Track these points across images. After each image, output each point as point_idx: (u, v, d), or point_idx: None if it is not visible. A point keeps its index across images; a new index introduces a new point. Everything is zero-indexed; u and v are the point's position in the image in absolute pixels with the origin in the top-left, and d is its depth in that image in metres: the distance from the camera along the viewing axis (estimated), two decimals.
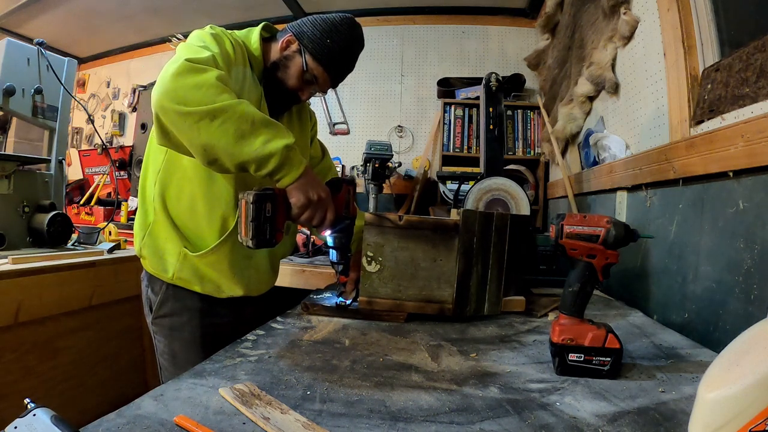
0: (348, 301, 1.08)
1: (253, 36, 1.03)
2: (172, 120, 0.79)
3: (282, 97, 1.06)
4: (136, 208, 1.11)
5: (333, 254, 1.05)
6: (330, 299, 1.15)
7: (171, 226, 1.00)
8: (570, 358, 0.73)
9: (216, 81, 0.80)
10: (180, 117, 0.78)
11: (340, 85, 1.11)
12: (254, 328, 0.94)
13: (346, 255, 1.05)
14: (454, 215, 1.13)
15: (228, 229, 1.00)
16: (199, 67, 0.81)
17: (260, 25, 1.06)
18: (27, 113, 1.61)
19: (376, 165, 2.24)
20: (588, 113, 1.92)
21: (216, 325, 1.05)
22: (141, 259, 1.08)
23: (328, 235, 1.02)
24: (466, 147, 2.74)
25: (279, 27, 1.11)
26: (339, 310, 1.06)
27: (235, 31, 1.02)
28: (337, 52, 1.02)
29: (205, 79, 0.79)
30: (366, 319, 1.03)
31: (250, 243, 0.81)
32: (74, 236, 1.76)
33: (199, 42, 0.90)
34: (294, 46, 1.03)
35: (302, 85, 1.05)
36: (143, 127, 2.61)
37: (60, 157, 1.73)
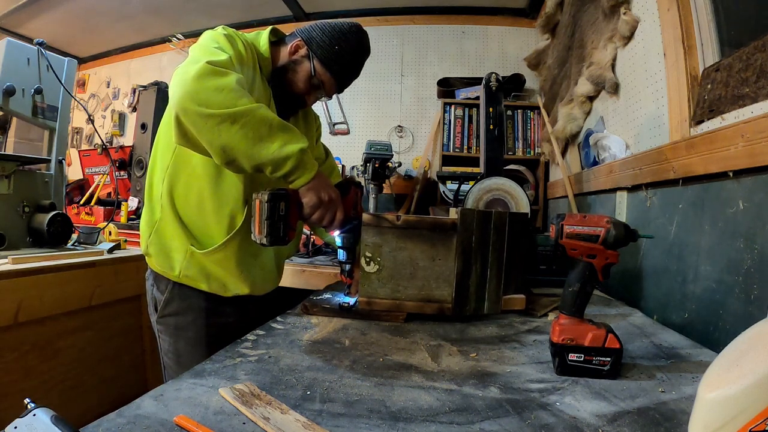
0: (351, 301, 1.08)
1: (262, 39, 1.05)
2: (193, 121, 0.81)
3: (289, 100, 1.08)
4: (137, 208, 1.11)
5: (341, 254, 1.07)
6: (332, 299, 1.15)
7: (178, 223, 1.01)
8: (570, 358, 0.73)
9: (236, 85, 0.82)
10: (201, 119, 0.80)
11: None
12: None
13: (354, 255, 1.06)
14: (453, 214, 1.13)
15: (236, 227, 1.00)
16: (220, 70, 0.82)
17: (268, 29, 1.07)
18: (27, 113, 1.61)
19: (376, 165, 2.25)
20: (588, 113, 1.92)
21: (221, 325, 1.06)
22: (146, 257, 1.08)
23: (336, 235, 1.04)
24: (466, 147, 2.74)
25: (279, 27, 1.12)
26: (340, 311, 1.06)
27: (245, 32, 1.03)
28: (344, 59, 1.04)
29: (226, 83, 0.81)
30: (365, 319, 1.03)
31: (264, 240, 0.83)
32: (74, 236, 1.76)
33: (213, 43, 0.91)
34: (302, 51, 1.04)
35: (309, 89, 1.07)
36: (143, 127, 2.61)
37: (60, 157, 1.73)
